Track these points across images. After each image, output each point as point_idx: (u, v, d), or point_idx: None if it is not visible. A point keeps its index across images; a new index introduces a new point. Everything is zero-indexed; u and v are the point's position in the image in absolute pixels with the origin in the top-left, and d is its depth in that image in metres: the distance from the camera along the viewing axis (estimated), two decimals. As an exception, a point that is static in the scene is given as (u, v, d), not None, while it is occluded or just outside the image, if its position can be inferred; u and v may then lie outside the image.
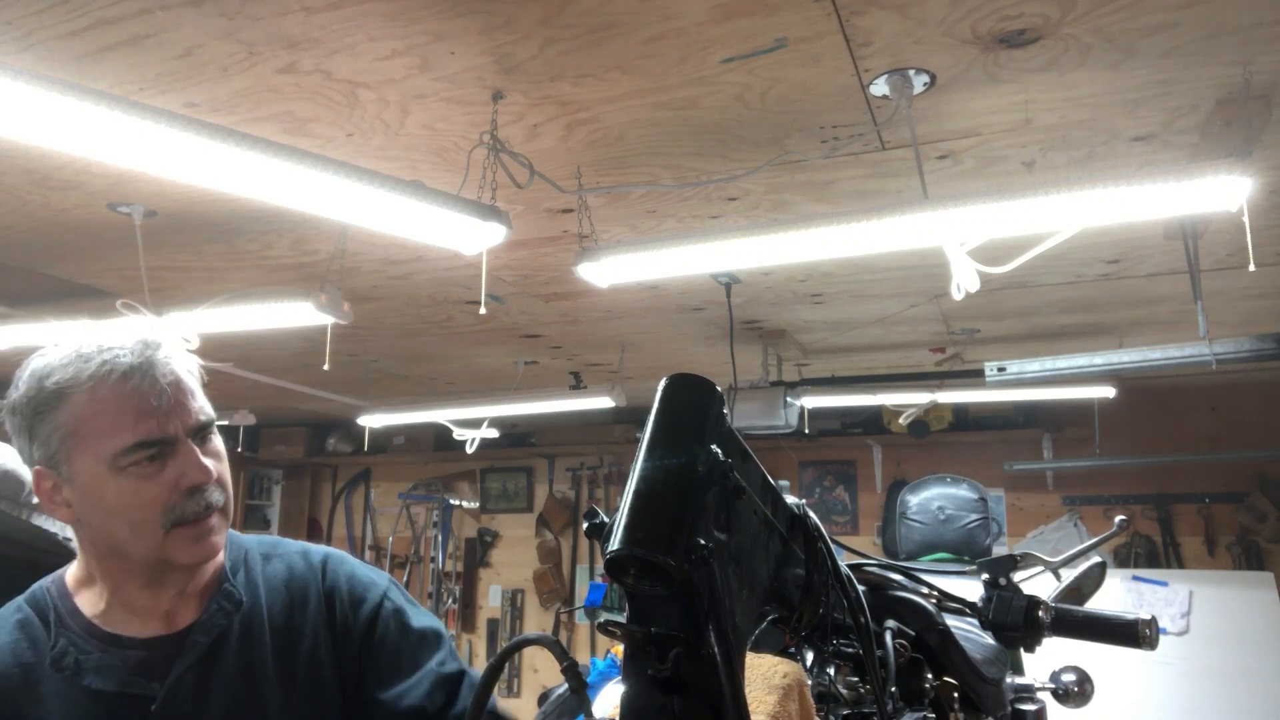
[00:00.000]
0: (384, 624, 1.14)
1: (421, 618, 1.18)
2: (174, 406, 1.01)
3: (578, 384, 5.10)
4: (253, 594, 1.11)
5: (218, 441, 1.07)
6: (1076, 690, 1.75)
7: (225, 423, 5.79)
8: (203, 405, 1.05)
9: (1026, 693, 1.77)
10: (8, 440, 1.00)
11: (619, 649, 0.80)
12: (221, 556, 1.11)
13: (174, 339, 1.06)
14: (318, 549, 1.20)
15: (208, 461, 1.03)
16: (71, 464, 0.99)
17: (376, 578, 1.19)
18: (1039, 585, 1.47)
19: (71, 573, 1.09)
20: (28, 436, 1.01)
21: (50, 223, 3.05)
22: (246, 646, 1.08)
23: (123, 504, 0.99)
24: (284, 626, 1.11)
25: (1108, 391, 4.80)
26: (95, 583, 1.07)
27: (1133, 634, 1.34)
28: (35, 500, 2.21)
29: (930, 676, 1.34)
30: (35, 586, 1.09)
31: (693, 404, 0.82)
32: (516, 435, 7.10)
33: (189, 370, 1.06)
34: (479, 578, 7.22)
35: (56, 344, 1.02)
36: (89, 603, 1.06)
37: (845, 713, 1.17)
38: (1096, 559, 1.57)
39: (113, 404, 0.98)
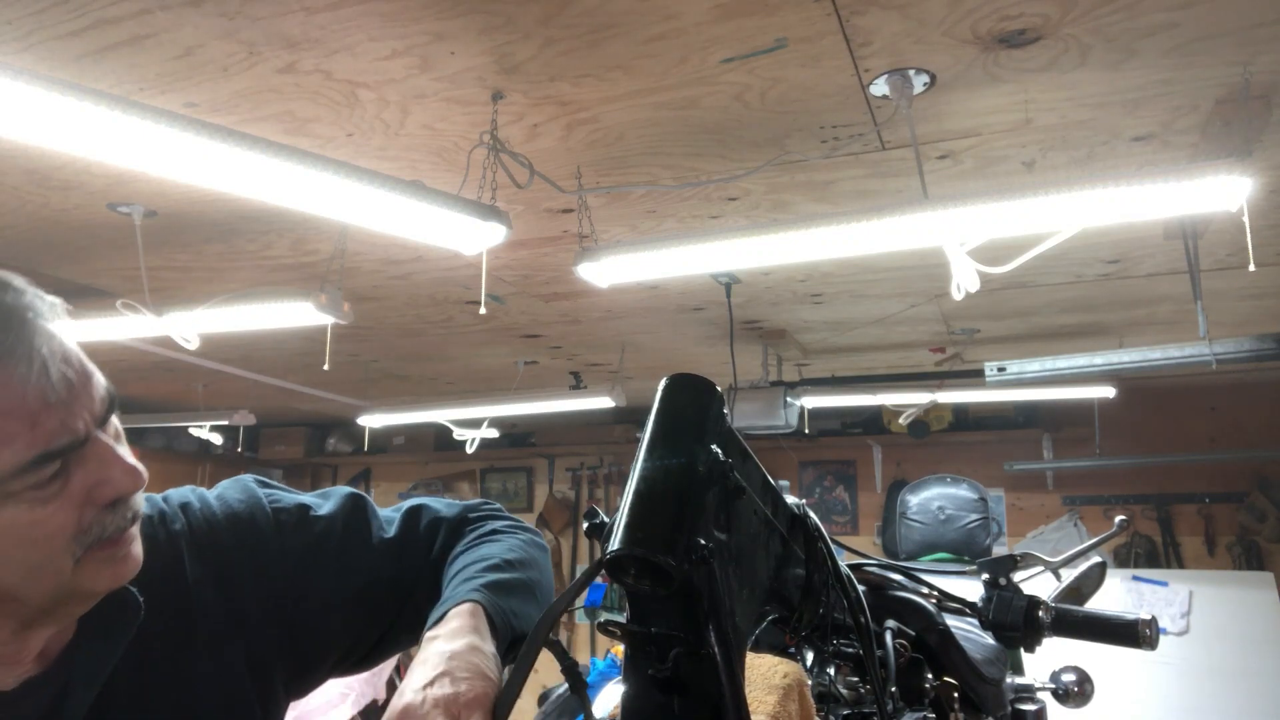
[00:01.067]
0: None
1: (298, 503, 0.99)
2: (75, 390, 0.72)
3: (578, 384, 5.10)
4: (154, 576, 0.84)
5: (117, 420, 0.78)
6: (1076, 690, 1.75)
7: (225, 423, 5.79)
8: (97, 369, 0.76)
9: (1026, 693, 1.77)
10: None
11: (619, 649, 0.80)
12: None
13: (28, 285, 0.74)
14: (168, 499, 0.94)
15: (125, 454, 0.76)
16: None
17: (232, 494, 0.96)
18: (1039, 585, 1.48)
19: None
20: None
21: (50, 223, 3.05)
22: (172, 638, 0.86)
23: (15, 542, 0.70)
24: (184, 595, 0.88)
25: (1108, 391, 4.80)
26: None
27: (1133, 634, 1.35)
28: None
29: (930, 676, 1.34)
30: None
31: (693, 404, 0.82)
32: (516, 435, 7.11)
33: (65, 329, 0.75)
34: (479, 577, 7.21)
35: None
36: None
37: (845, 713, 1.17)
38: (1096, 559, 1.58)
39: None
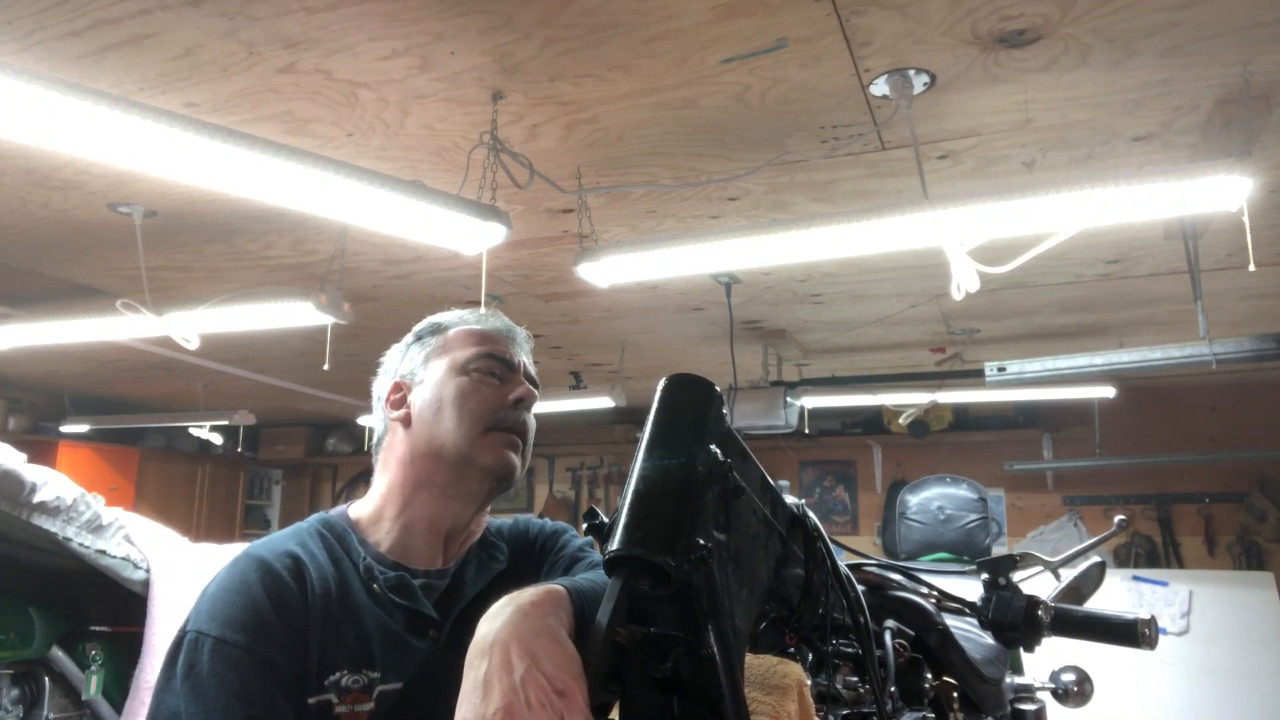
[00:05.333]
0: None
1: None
2: (521, 353, 1.23)
3: (578, 384, 5.11)
4: (508, 549, 1.22)
5: (534, 391, 1.23)
6: (1076, 690, 1.75)
7: (225, 423, 5.79)
8: (533, 372, 1.26)
9: (1026, 692, 1.77)
10: None
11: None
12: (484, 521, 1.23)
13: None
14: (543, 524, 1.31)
15: (529, 390, 1.20)
16: (430, 369, 1.18)
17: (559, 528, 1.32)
18: (1039, 585, 1.47)
19: (355, 513, 1.17)
20: (400, 358, 1.23)
21: (50, 223, 3.05)
22: (506, 592, 1.12)
23: (463, 397, 1.14)
24: (529, 580, 1.18)
25: (1108, 391, 4.80)
26: (382, 519, 1.15)
27: (1132, 634, 1.35)
28: (35, 500, 2.21)
29: (930, 676, 1.34)
30: (322, 518, 1.18)
31: (692, 404, 0.82)
32: (516, 435, 7.10)
33: (529, 348, 1.28)
34: (479, 577, 7.22)
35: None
36: (375, 537, 1.15)
37: (845, 713, 1.17)
38: (1096, 559, 1.58)
39: (475, 333, 1.21)
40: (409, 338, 1.25)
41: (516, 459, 1.16)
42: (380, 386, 1.22)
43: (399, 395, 1.19)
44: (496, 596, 1.05)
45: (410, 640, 1.07)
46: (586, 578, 1.00)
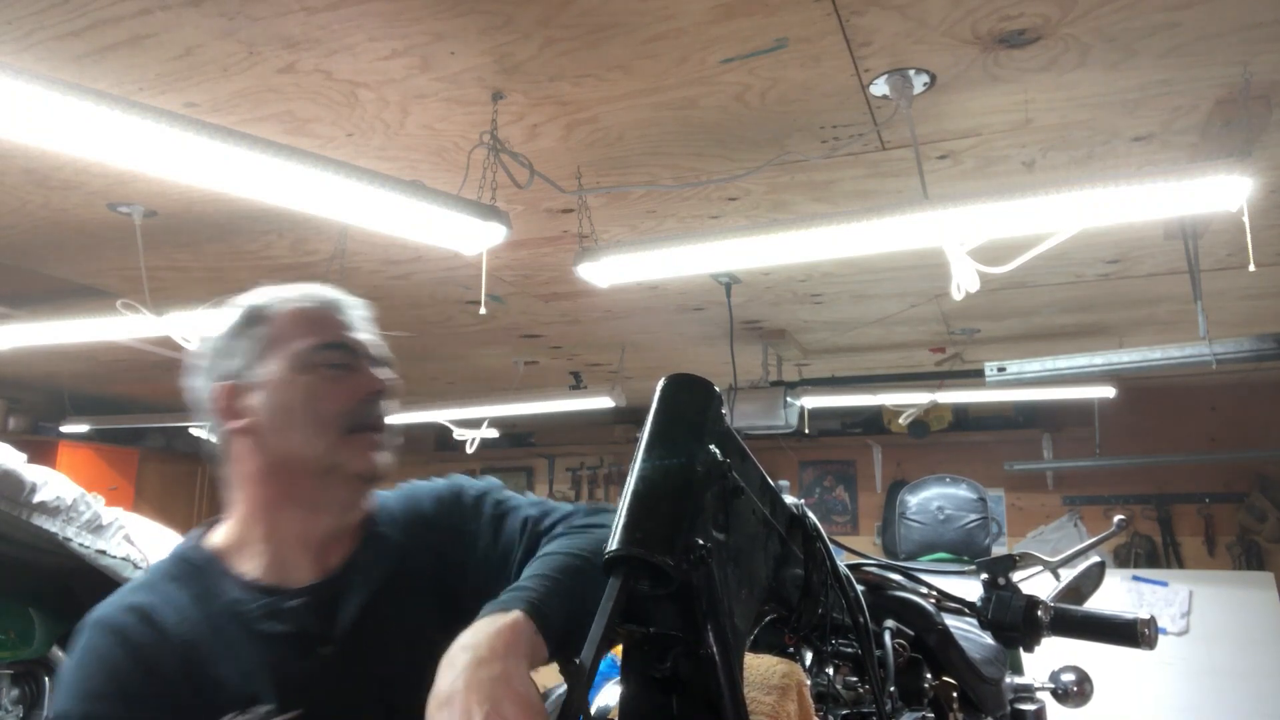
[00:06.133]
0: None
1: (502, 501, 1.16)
2: (360, 331, 1.10)
3: (578, 384, 5.10)
4: (401, 537, 1.10)
5: (390, 373, 1.11)
6: (1076, 690, 1.75)
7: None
8: (379, 343, 1.13)
9: (1026, 692, 1.77)
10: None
11: (619, 649, 0.80)
12: (364, 506, 1.11)
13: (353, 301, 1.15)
14: (444, 483, 1.19)
15: (385, 375, 1.09)
16: (264, 367, 1.05)
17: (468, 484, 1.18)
18: (1038, 585, 1.48)
19: (217, 540, 1.07)
20: (223, 355, 1.08)
21: (50, 223, 3.05)
22: (406, 587, 1.06)
23: (311, 399, 1.03)
24: (435, 563, 1.09)
25: (1108, 391, 4.80)
26: (248, 544, 1.05)
27: (1132, 634, 1.35)
28: (35, 500, 2.21)
29: (929, 676, 1.34)
30: (179, 554, 1.07)
31: (692, 404, 0.82)
32: (516, 435, 7.10)
33: (368, 318, 1.15)
34: (479, 577, 7.21)
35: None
36: (243, 565, 1.05)
37: (844, 713, 1.17)
38: (1096, 559, 1.58)
39: (306, 316, 1.07)
40: (227, 329, 1.08)
41: (384, 457, 1.06)
42: (204, 390, 1.07)
43: (234, 401, 1.05)
44: (393, 596, 1.06)
45: (300, 664, 0.99)
46: (545, 568, 0.93)
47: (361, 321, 1.12)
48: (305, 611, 1.02)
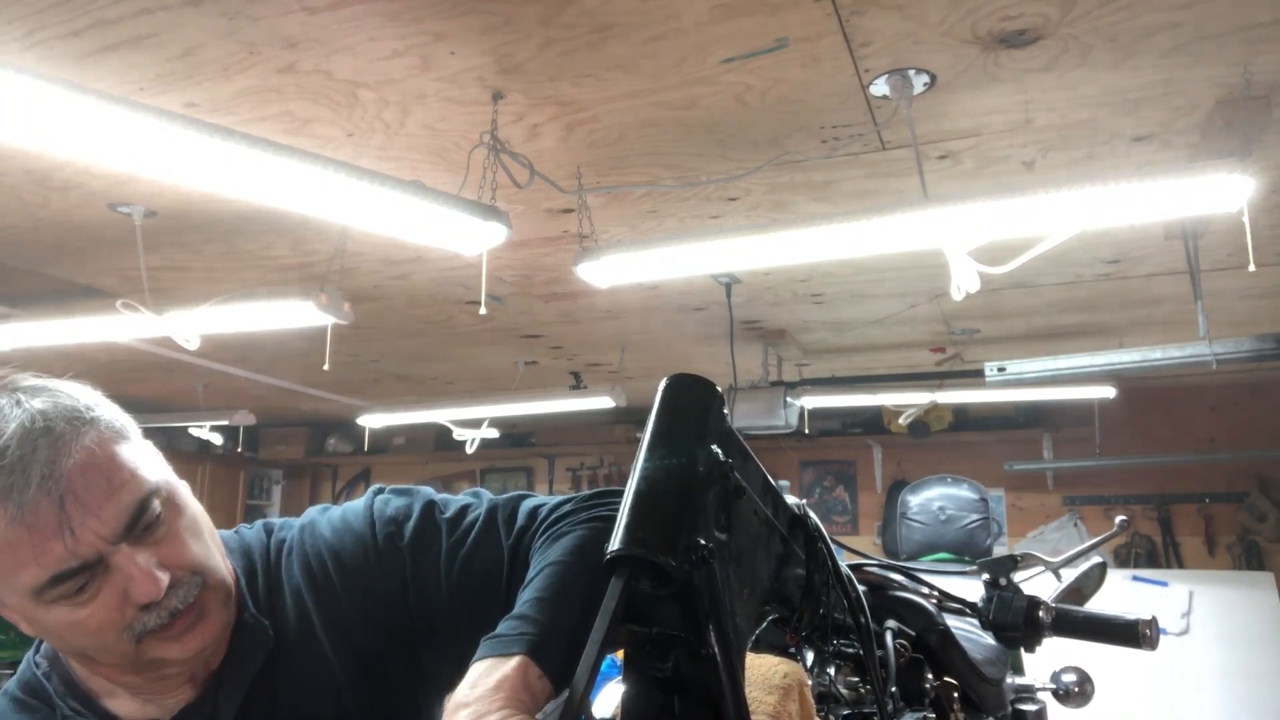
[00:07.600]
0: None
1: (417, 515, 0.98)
2: (85, 514, 0.77)
3: (578, 384, 5.10)
4: (280, 604, 0.94)
5: (168, 511, 0.85)
6: (1077, 690, 1.75)
7: (225, 423, 5.79)
8: (133, 479, 0.81)
9: (1027, 693, 1.77)
10: None
11: (619, 650, 0.80)
12: (229, 578, 0.91)
13: (74, 388, 0.84)
14: (300, 524, 1.01)
15: (154, 568, 0.81)
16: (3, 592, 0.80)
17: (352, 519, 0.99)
18: (1039, 585, 1.47)
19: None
20: None
21: (50, 223, 3.05)
22: (300, 661, 0.93)
23: (72, 632, 0.81)
24: (353, 606, 0.95)
25: (1108, 391, 4.80)
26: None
27: (1133, 634, 1.34)
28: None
29: (930, 676, 1.34)
30: (24, 670, 0.90)
31: (693, 404, 0.82)
32: (516, 435, 7.10)
33: (99, 441, 0.81)
34: (479, 578, 7.22)
35: None
36: (99, 687, 0.89)
37: (845, 713, 1.17)
38: (1097, 559, 1.58)
39: (11, 543, 0.76)
40: None
41: (202, 631, 0.85)
42: None
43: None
44: (282, 669, 0.90)
45: None
46: (542, 590, 0.83)
47: (68, 486, 0.77)
48: None
